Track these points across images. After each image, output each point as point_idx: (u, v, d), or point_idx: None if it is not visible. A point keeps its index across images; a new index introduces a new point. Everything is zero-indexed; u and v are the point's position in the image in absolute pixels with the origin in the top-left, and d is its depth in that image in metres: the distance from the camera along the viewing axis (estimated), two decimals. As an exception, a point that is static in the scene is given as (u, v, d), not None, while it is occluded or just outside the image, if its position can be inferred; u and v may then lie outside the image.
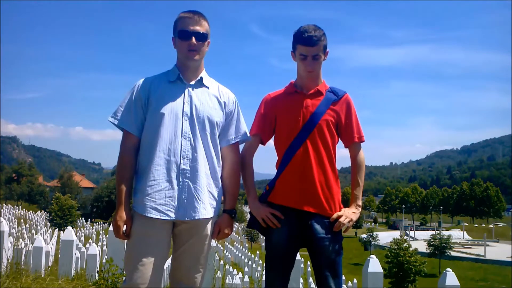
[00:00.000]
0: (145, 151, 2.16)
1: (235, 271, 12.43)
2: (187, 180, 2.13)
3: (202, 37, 2.18)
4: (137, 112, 2.18)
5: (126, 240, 2.16)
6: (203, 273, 2.25)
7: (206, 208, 2.16)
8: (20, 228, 21.45)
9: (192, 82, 2.24)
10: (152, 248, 2.09)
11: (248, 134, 2.39)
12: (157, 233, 2.10)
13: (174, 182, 2.11)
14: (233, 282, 8.47)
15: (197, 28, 2.17)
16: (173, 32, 2.23)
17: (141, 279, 2.05)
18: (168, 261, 4.43)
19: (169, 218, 2.09)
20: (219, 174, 2.27)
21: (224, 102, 2.29)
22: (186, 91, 2.21)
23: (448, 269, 4.16)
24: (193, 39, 2.15)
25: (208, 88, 2.27)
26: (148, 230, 2.09)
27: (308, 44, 2.27)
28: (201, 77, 2.26)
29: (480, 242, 50.67)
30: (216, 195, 2.23)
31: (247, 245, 37.45)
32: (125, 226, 2.12)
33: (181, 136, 2.14)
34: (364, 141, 2.44)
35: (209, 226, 2.21)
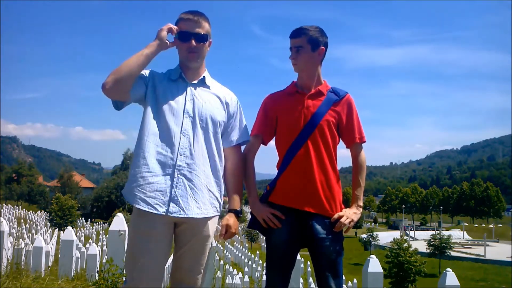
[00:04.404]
0: (144, 145, 2.12)
1: (235, 271, 12.41)
2: (181, 177, 2.10)
3: (202, 39, 2.18)
4: (137, 83, 2.13)
5: (126, 240, 2.15)
6: (203, 274, 2.24)
7: (200, 208, 2.12)
8: (20, 228, 21.46)
9: (194, 82, 2.24)
10: (153, 248, 2.08)
11: (250, 136, 2.40)
12: (158, 233, 2.09)
13: (168, 177, 2.09)
14: (233, 282, 8.47)
15: (197, 29, 2.16)
16: None
17: (142, 279, 2.05)
18: (169, 261, 4.43)
19: (157, 212, 2.05)
20: (221, 173, 2.26)
21: (227, 103, 2.29)
22: (189, 89, 2.21)
23: (448, 269, 4.17)
24: (193, 41, 2.15)
25: (210, 88, 2.27)
26: (149, 230, 2.08)
27: (291, 36, 2.35)
28: (204, 77, 2.26)
29: (480, 242, 50.59)
30: (217, 195, 2.21)
31: (247, 245, 37.40)
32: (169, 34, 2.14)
33: (180, 133, 2.13)
34: (365, 141, 2.43)
35: (210, 227, 2.19)
